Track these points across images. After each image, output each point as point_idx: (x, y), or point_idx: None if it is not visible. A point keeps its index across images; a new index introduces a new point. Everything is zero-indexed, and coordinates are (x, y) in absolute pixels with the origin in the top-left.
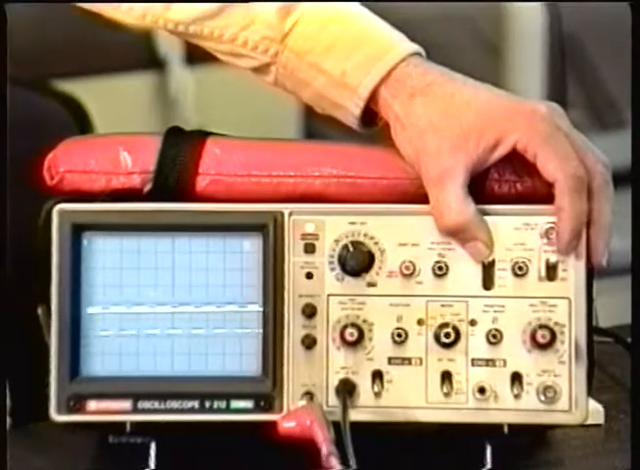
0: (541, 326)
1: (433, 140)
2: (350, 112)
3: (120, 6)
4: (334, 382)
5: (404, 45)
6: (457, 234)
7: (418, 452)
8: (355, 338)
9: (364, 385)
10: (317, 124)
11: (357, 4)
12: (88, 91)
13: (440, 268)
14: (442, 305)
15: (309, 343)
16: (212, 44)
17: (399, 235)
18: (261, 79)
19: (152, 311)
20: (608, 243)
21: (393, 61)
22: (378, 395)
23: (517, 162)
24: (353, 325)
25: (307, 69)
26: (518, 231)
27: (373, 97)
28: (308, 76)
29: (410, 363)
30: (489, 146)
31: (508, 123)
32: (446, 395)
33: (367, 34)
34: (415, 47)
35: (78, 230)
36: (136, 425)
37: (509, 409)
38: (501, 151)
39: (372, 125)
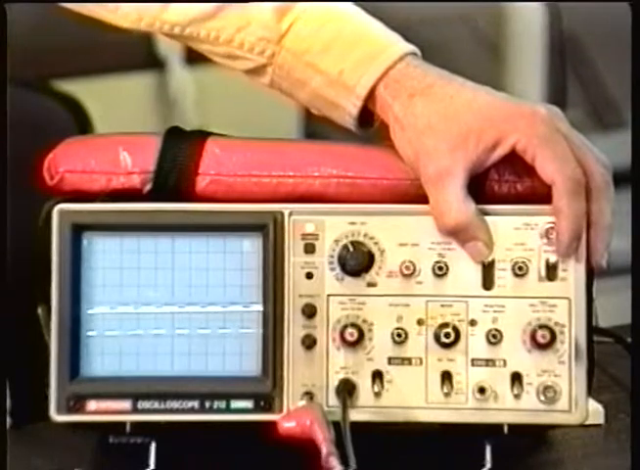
0: (541, 326)
1: (431, 140)
2: (348, 111)
3: (116, 10)
4: (334, 382)
5: (401, 45)
6: (457, 234)
7: (418, 452)
8: (355, 338)
9: (364, 385)
10: (317, 125)
11: (352, 5)
12: (88, 91)
13: (440, 268)
14: (442, 306)
15: (309, 343)
16: (208, 46)
17: (399, 235)
18: (256, 81)
19: (152, 311)
20: (608, 244)
21: (391, 59)
22: (378, 395)
23: (516, 162)
24: (353, 325)
25: (304, 68)
26: (518, 231)
27: (371, 97)
28: (305, 76)
29: (410, 363)
30: (488, 146)
31: (507, 124)
32: (446, 395)
33: (364, 34)
34: (411, 47)
35: (78, 230)
36: (136, 425)
37: (509, 409)
38: (500, 152)
39: (368, 126)
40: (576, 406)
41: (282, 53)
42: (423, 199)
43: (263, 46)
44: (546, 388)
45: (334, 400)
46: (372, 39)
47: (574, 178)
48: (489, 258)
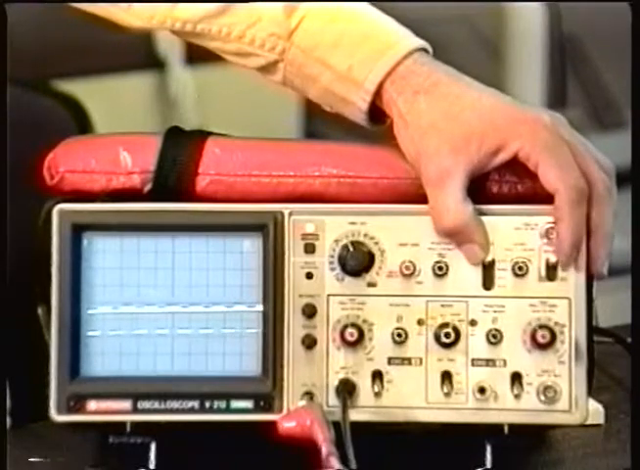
0: (541, 326)
1: (434, 140)
2: (358, 107)
3: (129, 9)
4: (334, 382)
5: (410, 40)
6: (454, 236)
7: (418, 452)
8: (355, 338)
9: (364, 385)
10: (317, 124)
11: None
12: (88, 91)
13: (440, 268)
14: (442, 306)
15: (309, 343)
16: (219, 44)
17: (399, 235)
18: (269, 79)
19: (152, 311)
20: (609, 252)
21: (399, 55)
22: (378, 395)
23: (517, 163)
24: (353, 325)
25: (314, 64)
26: (518, 231)
27: (379, 93)
28: (315, 72)
29: (410, 363)
30: (491, 151)
31: (511, 131)
32: (446, 395)
33: (373, 30)
34: (421, 42)
35: (78, 230)
36: (136, 425)
37: (509, 409)
38: (502, 157)
39: (379, 123)
40: (576, 406)
41: (292, 49)
42: (423, 198)
43: (274, 42)
44: (546, 388)
45: (334, 400)
46: (381, 35)
47: (577, 187)
48: (489, 259)
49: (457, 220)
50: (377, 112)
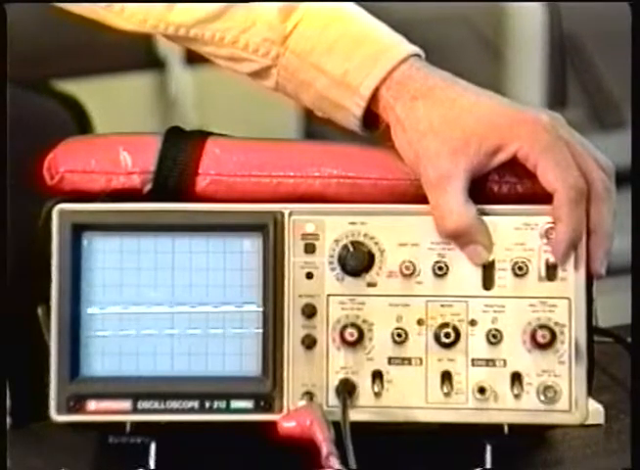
0: (541, 326)
1: (433, 143)
2: (352, 112)
3: (122, 12)
4: (334, 382)
5: (404, 46)
6: (458, 237)
7: (418, 452)
8: (355, 338)
9: (364, 385)
10: (317, 124)
11: (355, 5)
12: (88, 91)
13: (440, 268)
14: (442, 306)
15: (309, 343)
16: (213, 49)
17: (399, 235)
18: (260, 85)
19: (152, 311)
20: (608, 252)
21: (394, 60)
22: (378, 395)
23: (517, 163)
24: (353, 325)
25: (309, 69)
26: (518, 231)
27: (374, 98)
28: (310, 77)
29: (410, 363)
30: (490, 151)
31: (509, 131)
32: (446, 395)
33: (368, 34)
34: (414, 48)
35: (78, 230)
36: (136, 425)
37: (509, 409)
38: (501, 157)
39: (372, 128)
40: (576, 406)
41: (286, 54)
42: (422, 199)
43: (268, 47)
44: (546, 388)
45: (334, 400)
46: (376, 40)
47: (576, 187)
48: (489, 260)
49: (460, 222)
50: (370, 117)
